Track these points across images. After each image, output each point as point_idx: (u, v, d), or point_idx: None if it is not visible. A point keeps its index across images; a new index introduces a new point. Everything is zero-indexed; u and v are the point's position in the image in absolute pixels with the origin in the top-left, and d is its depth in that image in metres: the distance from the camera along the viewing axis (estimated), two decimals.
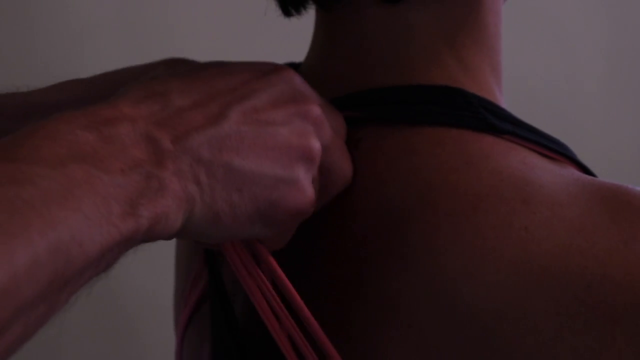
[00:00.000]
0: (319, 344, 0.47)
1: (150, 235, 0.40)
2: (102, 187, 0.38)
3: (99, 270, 0.39)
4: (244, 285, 0.49)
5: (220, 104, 0.45)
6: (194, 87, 0.45)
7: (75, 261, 0.36)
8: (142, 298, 1.31)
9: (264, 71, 0.47)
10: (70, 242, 0.35)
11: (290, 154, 0.45)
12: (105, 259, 0.38)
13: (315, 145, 0.46)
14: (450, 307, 0.44)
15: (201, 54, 1.42)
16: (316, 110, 0.47)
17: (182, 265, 0.68)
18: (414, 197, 0.47)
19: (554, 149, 0.51)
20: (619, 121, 1.64)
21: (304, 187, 0.46)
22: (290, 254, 0.50)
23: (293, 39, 1.26)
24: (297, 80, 0.48)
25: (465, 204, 0.46)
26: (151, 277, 1.28)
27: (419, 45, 0.52)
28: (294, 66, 0.58)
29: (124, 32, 1.29)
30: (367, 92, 0.53)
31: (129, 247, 0.40)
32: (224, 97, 0.45)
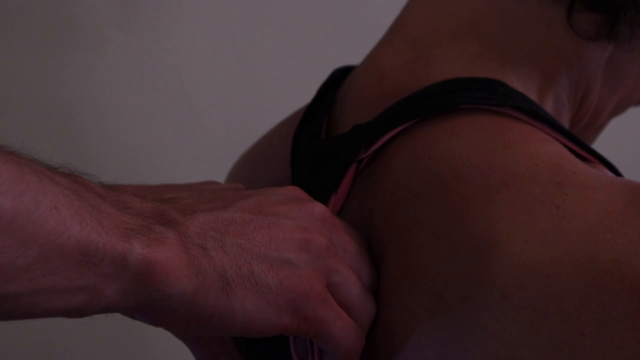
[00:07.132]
0: None
1: (151, 281, 0.40)
2: (98, 205, 0.39)
3: (86, 279, 0.38)
4: None
5: (224, 200, 0.47)
6: (200, 193, 0.48)
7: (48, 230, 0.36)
8: None
9: (269, 187, 0.50)
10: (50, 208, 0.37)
11: (294, 241, 0.46)
12: (89, 263, 0.38)
13: (321, 239, 0.47)
14: (473, 274, 0.45)
15: (209, 71, 1.43)
16: (321, 208, 0.49)
17: None
18: (448, 172, 0.49)
19: (587, 148, 0.53)
20: (625, 127, 1.64)
21: (309, 275, 0.46)
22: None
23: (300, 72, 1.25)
24: (301, 191, 0.51)
25: (497, 180, 0.47)
26: None
27: (478, 36, 0.56)
28: (347, 69, 0.62)
29: (134, 50, 1.30)
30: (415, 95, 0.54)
31: (121, 273, 0.39)
32: (228, 196, 0.48)
